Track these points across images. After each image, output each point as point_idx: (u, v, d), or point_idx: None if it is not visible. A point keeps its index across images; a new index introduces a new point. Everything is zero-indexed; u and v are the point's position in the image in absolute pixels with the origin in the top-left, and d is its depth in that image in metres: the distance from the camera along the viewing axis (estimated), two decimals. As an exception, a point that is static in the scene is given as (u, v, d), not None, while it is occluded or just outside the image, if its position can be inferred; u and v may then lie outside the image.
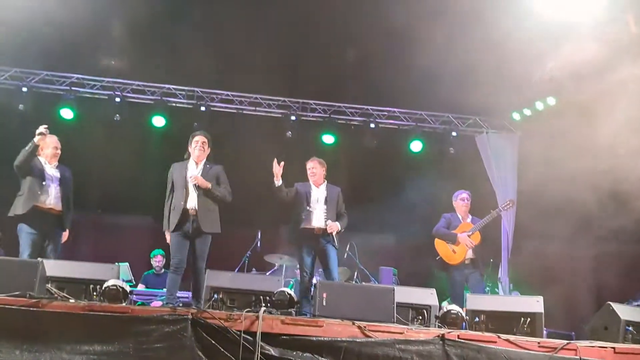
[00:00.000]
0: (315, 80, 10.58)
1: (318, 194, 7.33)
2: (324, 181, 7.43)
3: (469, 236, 7.59)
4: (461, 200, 7.89)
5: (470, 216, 7.88)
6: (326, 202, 7.26)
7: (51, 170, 6.92)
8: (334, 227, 7.11)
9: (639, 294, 7.18)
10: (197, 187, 6.59)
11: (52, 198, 6.79)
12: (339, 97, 11.19)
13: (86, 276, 5.45)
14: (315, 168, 7.41)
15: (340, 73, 10.53)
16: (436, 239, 7.81)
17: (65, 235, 7.06)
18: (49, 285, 5.27)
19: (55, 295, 5.16)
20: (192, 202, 6.57)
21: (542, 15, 8.31)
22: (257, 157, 10.27)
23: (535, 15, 8.29)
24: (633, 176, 7.73)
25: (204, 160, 6.79)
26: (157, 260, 9.70)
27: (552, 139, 9.37)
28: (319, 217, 7.20)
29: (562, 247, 9.74)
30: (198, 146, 6.71)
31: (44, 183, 6.74)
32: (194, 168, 6.73)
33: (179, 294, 8.41)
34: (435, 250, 7.81)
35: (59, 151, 7.01)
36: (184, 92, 10.97)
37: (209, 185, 6.58)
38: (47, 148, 6.89)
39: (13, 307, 4.61)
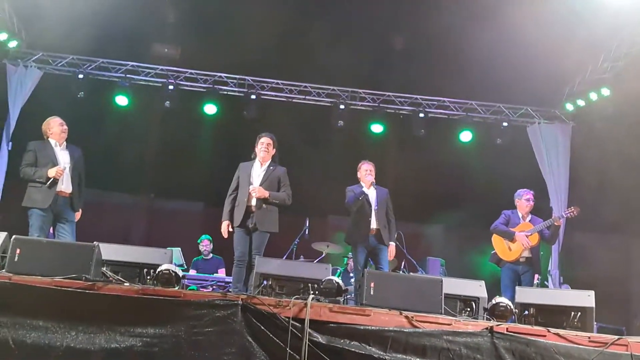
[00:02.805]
0: (364, 69, 10.58)
1: (371, 194, 7.53)
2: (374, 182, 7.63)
3: (527, 236, 7.52)
4: (526, 200, 7.79)
5: (530, 215, 7.79)
6: (377, 204, 7.48)
7: (61, 152, 6.94)
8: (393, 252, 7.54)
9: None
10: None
11: (62, 182, 6.81)
12: (388, 86, 11.15)
13: (140, 260, 5.56)
14: (371, 170, 7.61)
15: (389, 61, 10.50)
16: (494, 235, 7.77)
17: (77, 215, 7.08)
18: (104, 269, 5.38)
19: (110, 278, 5.29)
20: (254, 201, 6.81)
21: (601, 2, 8.14)
22: (307, 146, 10.41)
23: (593, 2, 8.13)
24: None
25: (269, 161, 7.01)
26: (204, 244, 9.85)
27: (605, 130, 9.18)
28: (374, 218, 7.42)
29: (615, 240, 9.57)
30: (263, 147, 6.96)
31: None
32: (258, 168, 6.96)
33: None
34: (492, 244, 7.78)
35: (65, 128, 7.01)
36: (235, 81, 11.10)
37: (267, 195, 6.79)
38: (54, 128, 6.93)
39: (69, 289, 4.73)
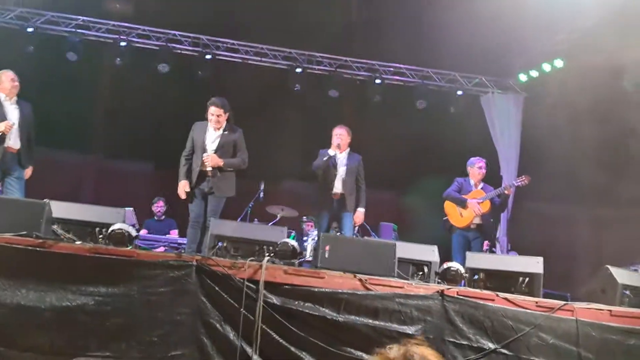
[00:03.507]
0: (322, 33, 10.48)
1: (340, 159, 7.48)
2: (347, 149, 7.56)
3: (479, 204, 7.66)
4: (478, 168, 7.91)
5: (482, 183, 7.93)
6: (346, 169, 7.44)
7: (10, 107, 6.75)
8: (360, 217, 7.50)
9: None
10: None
11: (9, 138, 6.65)
12: (346, 51, 11.09)
13: (92, 219, 5.45)
14: (341, 135, 7.50)
15: (348, 27, 10.43)
16: (446, 201, 7.89)
17: (28, 172, 6.92)
18: (55, 227, 5.27)
19: (62, 236, 5.19)
20: (209, 167, 6.72)
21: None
22: (262, 109, 10.32)
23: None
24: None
25: (223, 126, 6.81)
26: (159, 205, 9.74)
27: (557, 101, 9.35)
28: (338, 183, 7.40)
29: (562, 209, 9.82)
30: (213, 119, 6.74)
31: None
32: (212, 133, 6.80)
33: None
34: (444, 211, 7.91)
35: (16, 83, 6.78)
36: (189, 39, 10.87)
37: (222, 163, 6.69)
38: (5, 82, 6.70)
39: (19, 246, 4.65)
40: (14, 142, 6.69)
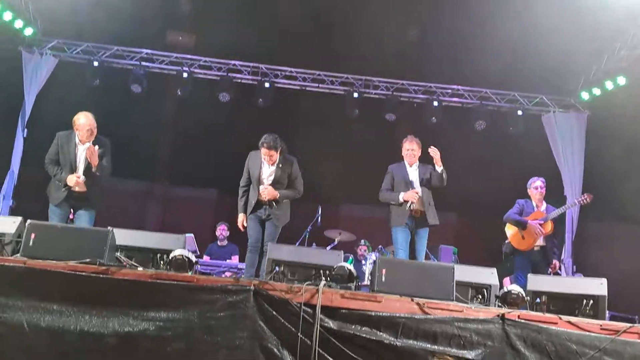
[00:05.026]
0: (378, 58, 10.54)
1: (413, 174, 7.39)
2: (417, 161, 7.46)
3: (540, 225, 7.48)
4: (534, 189, 7.74)
5: (544, 204, 7.74)
6: (421, 182, 7.34)
7: (82, 153, 6.77)
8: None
9: None
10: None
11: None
12: (402, 74, 11.11)
13: (154, 246, 5.57)
14: (414, 150, 7.40)
15: (403, 50, 10.47)
16: (507, 224, 7.75)
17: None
18: (118, 254, 5.42)
19: (124, 263, 5.33)
20: (266, 199, 6.84)
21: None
22: (320, 133, 10.42)
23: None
24: None
25: (277, 160, 6.87)
26: (221, 229, 9.85)
27: (621, 119, 9.11)
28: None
29: (628, 230, 9.52)
30: (266, 158, 6.80)
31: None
32: (267, 167, 6.89)
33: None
34: (505, 234, 7.76)
35: (94, 130, 6.75)
36: (249, 69, 11.11)
37: (278, 196, 6.81)
38: (82, 130, 6.69)
39: (83, 273, 4.78)
40: (81, 187, 6.78)
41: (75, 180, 6.69)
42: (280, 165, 6.86)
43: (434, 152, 7.19)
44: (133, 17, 9.64)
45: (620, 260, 8.93)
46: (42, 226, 5.32)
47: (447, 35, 9.82)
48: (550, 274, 7.89)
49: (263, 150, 6.78)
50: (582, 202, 7.67)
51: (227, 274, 8.79)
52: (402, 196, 7.21)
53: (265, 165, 6.87)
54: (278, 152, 6.83)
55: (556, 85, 10.74)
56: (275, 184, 6.84)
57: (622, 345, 4.84)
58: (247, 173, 7.00)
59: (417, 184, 7.31)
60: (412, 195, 7.17)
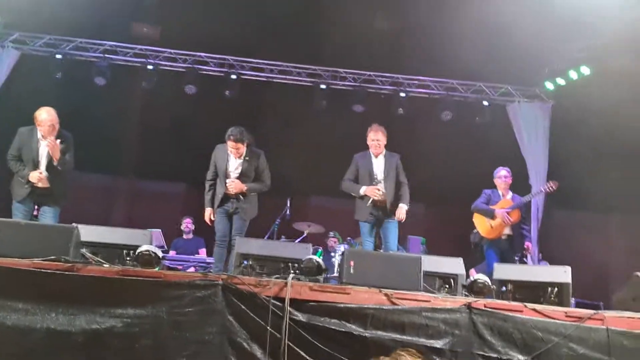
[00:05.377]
0: (345, 49, 10.53)
1: (378, 166, 7.35)
2: (382, 151, 7.40)
3: (507, 213, 7.58)
4: (500, 179, 7.84)
5: (510, 193, 7.84)
6: (387, 175, 7.31)
7: (44, 148, 6.70)
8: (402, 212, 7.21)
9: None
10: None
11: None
12: (369, 66, 11.12)
13: (120, 242, 5.52)
14: (380, 140, 7.34)
15: (371, 41, 10.47)
16: (475, 214, 7.83)
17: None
18: (83, 250, 5.33)
19: (90, 259, 5.26)
20: (232, 192, 6.85)
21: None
22: (288, 125, 10.39)
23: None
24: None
25: (244, 153, 6.87)
26: (187, 222, 9.82)
27: (585, 109, 9.24)
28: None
29: (593, 218, 9.68)
30: (233, 151, 6.81)
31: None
32: (233, 161, 6.89)
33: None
34: (473, 224, 7.84)
35: (56, 126, 6.66)
36: (215, 60, 11.02)
37: (245, 189, 6.82)
38: (44, 125, 6.59)
39: (48, 270, 4.70)
40: (43, 183, 6.70)
41: (38, 176, 6.61)
42: (247, 158, 6.85)
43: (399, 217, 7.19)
44: (96, 8, 9.47)
45: (585, 248, 9.08)
46: (6, 223, 5.23)
47: (415, 27, 9.83)
48: (526, 256, 8.02)
49: (229, 144, 6.76)
50: (548, 189, 7.80)
51: (191, 269, 8.75)
52: (362, 190, 7.21)
53: (232, 159, 6.85)
54: (245, 145, 6.81)
55: (521, 75, 10.85)
56: (242, 177, 6.82)
57: (587, 332, 4.93)
58: (214, 167, 6.97)
59: (381, 176, 7.29)
60: (373, 192, 7.14)
